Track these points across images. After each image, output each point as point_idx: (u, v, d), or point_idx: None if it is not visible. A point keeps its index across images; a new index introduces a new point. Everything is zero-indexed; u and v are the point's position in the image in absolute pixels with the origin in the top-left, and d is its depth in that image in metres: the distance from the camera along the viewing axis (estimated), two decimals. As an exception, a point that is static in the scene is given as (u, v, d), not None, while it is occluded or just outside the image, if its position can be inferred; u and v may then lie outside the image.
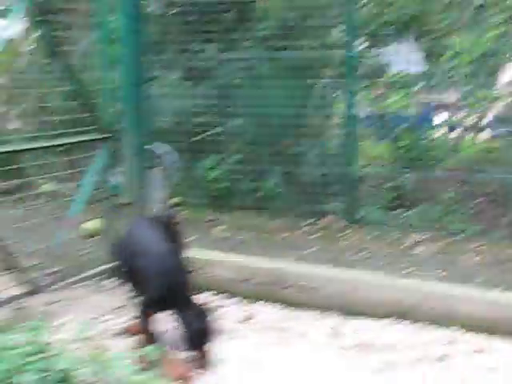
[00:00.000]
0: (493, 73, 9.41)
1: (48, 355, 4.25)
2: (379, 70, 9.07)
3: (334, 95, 8.69)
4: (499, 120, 8.89)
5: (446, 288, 5.63)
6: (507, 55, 9.16)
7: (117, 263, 5.26)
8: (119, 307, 5.80)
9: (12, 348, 4.24)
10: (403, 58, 9.35)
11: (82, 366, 4.15)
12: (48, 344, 4.42)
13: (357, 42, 8.02)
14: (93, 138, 6.31)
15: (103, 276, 6.43)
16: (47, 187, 8.13)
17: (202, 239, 7.09)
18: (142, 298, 4.76)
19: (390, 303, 5.56)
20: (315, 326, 5.43)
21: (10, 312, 5.55)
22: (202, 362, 4.58)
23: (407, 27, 8.95)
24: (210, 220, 7.87)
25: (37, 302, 5.77)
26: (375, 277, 5.91)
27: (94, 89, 6.33)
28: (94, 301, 5.94)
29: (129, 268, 4.98)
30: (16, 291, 5.75)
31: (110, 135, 6.36)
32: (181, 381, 4.37)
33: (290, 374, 4.60)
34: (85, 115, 6.21)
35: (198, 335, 4.54)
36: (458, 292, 5.54)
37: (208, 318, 4.58)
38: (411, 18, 8.80)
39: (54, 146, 6.06)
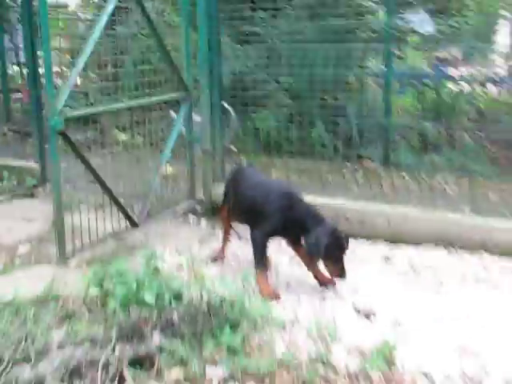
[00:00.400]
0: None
1: (161, 278, 4.59)
2: (405, 33, 9.25)
3: (369, 56, 8.88)
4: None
5: (480, 220, 5.82)
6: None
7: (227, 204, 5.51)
8: (203, 238, 6.09)
9: (131, 272, 4.58)
10: (423, 22, 9.55)
11: (189, 287, 4.49)
12: (159, 269, 4.76)
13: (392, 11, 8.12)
14: (178, 95, 6.50)
15: (187, 212, 6.66)
16: (123, 137, 8.37)
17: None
18: (262, 228, 4.92)
19: (434, 233, 5.78)
20: (372, 253, 5.64)
21: (115, 243, 5.86)
22: (338, 270, 4.81)
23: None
24: (266, 164, 8.00)
25: (136, 234, 6.05)
26: (420, 211, 6.05)
27: (176, 55, 6.50)
28: (182, 233, 6.17)
29: (243, 205, 5.24)
30: (119, 226, 6.03)
31: (190, 94, 6.55)
32: (270, 297, 4.71)
33: (362, 291, 4.91)
34: (171, 77, 6.44)
35: (335, 246, 4.72)
36: (490, 224, 5.74)
37: (339, 233, 4.79)
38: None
39: (148, 104, 6.23)
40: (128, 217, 6.04)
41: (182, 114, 6.47)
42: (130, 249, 5.71)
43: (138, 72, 6.33)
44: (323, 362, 3.86)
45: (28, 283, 4.92)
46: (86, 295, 4.58)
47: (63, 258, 5.36)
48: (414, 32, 9.37)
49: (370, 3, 9.08)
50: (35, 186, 7.40)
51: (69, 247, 5.44)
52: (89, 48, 5.34)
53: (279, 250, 5.68)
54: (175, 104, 6.76)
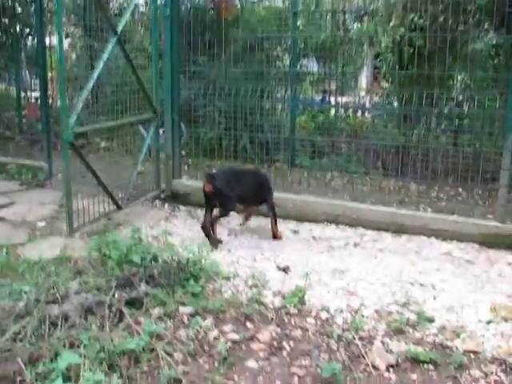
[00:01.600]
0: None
1: (144, 245, 4.72)
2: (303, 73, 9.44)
3: (278, 89, 9.03)
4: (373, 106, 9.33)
5: (355, 204, 6.10)
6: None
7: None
8: (167, 217, 6.20)
9: (121, 241, 4.69)
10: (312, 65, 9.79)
11: (163, 251, 4.63)
12: (141, 239, 4.87)
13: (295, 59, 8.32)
14: (149, 115, 6.49)
15: (154, 198, 6.70)
16: (103, 144, 8.36)
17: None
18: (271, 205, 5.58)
19: (326, 214, 6.02)
20: (284, 227, 5.79)
21: (105, 221, 5.92)
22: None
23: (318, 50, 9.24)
24: (208, 165, 8.05)
25: (119, 214, 6.11)
26: (316, 198, 6.28)
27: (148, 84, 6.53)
28: (152, 213, 6.22)
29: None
30: (108, 208, 6.05)
31: (157, 114, 6.57)
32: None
33: (280, 253, 5.10)
34: (144, 102, 6.47)
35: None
36: (362, 207, 6.04)
37: None
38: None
39: (129, 122, 6.25)
40: (114, 202, 6.07)
41: (151, 129, 6.50)
42: (117, 225, 5.79)
43: (121, 98, 6.33)
44: (257, 302, 4.08)
45: (47, 249, 5.00)
46: (89, 257, 4.68)
47: (71, 231, 5.41)
48: (308, 73, 9.53)
49: (279, 53, 9.26)
50: (44, 180, 7.36)
51: (74, 224, 5.49)
52: (90, 85, 5.40)
53: (220, 224, 5.86)
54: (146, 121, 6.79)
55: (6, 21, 9.95)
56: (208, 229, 5.30)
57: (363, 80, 13.78)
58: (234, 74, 8.54)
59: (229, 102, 8.17)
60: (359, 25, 10.06)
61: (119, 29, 5.75)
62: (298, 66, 8.95)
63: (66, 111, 5.15)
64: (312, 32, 8.75)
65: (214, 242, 5.26)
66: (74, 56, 11.21)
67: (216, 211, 5.40)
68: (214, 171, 6.07)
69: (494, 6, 6.32)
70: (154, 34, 6.39)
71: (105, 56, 5.57)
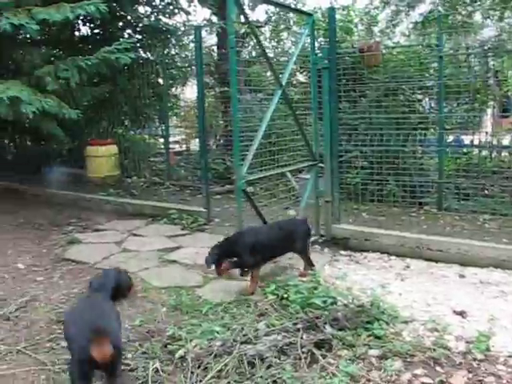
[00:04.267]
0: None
1: (323, 288, 4.90)
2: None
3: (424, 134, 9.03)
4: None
5: None
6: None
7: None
8: (330, 261, 6.26)
9: (300, 285, 4.90)
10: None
11: (340, 295, 4.79)
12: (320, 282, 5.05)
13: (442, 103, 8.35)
14: (309, 163, 6.79)
15: (313, 243, 6.66)
16: (250, 189, 8.65)
17: (357, 221, 7.47)
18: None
19: (490, 258, 5.94)
20: (449, 271, 5.82)
21: (273, 264, 5.98)
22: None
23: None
24: (355, 209, 8.15)
25: (282, 258, 6.08)
26: (481, 242, 6.23)
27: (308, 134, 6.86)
28: (314, 258, 5.98)
29: None
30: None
31: (317, 162, 6.86)
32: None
33: (453, 298, 5.09)
34: (304, 150, 6.78)
35: None
36: None
37: None
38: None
39: (293, 169, 6.55)
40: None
41: (312, 176, 6.73)
42: (283, 268, 5.99)
43: (284, 149, 6.64)
44: (442, 346, 4.13)
45: (223, 291, 5.32)
46: (268, 300, 4.92)
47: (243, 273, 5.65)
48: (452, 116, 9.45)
49: (418, 96, 9.31)
50: (204, 224, 7.77)
51: (244, 267, 5.73)
52: (259, 136, 5.74)
53: (386, 268, 5.94)
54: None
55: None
56: None
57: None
58: (376, 119, 8.69)
59: (374, 146, 8.33)
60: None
61: (283, 81, 6.09)
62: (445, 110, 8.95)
63: (239, 161, 5.51)
64: (459, 75, 8.73)
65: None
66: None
67: None
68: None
69: None
70: (312, 85, 6.67)
71: (272, 108, 5.91)
